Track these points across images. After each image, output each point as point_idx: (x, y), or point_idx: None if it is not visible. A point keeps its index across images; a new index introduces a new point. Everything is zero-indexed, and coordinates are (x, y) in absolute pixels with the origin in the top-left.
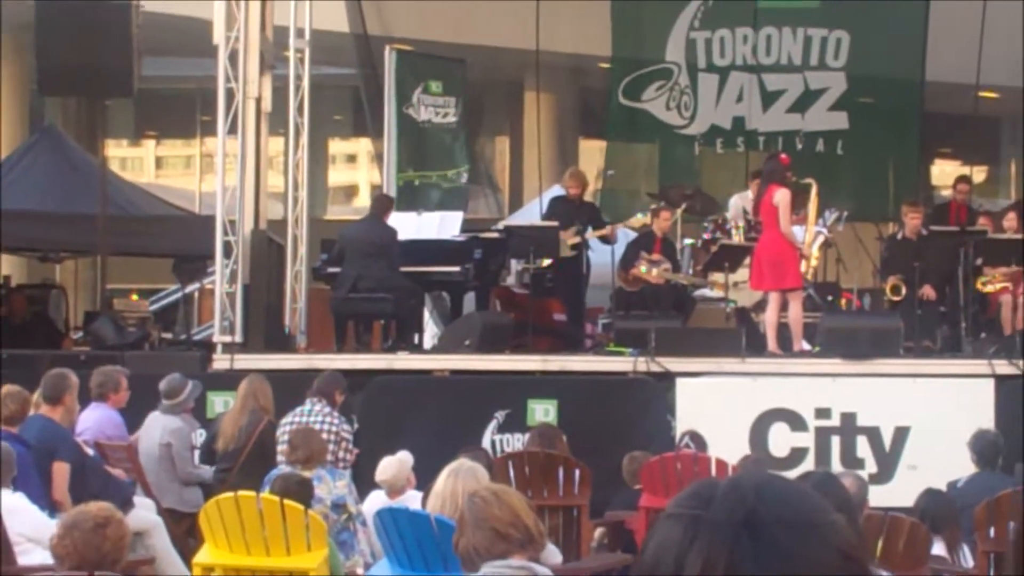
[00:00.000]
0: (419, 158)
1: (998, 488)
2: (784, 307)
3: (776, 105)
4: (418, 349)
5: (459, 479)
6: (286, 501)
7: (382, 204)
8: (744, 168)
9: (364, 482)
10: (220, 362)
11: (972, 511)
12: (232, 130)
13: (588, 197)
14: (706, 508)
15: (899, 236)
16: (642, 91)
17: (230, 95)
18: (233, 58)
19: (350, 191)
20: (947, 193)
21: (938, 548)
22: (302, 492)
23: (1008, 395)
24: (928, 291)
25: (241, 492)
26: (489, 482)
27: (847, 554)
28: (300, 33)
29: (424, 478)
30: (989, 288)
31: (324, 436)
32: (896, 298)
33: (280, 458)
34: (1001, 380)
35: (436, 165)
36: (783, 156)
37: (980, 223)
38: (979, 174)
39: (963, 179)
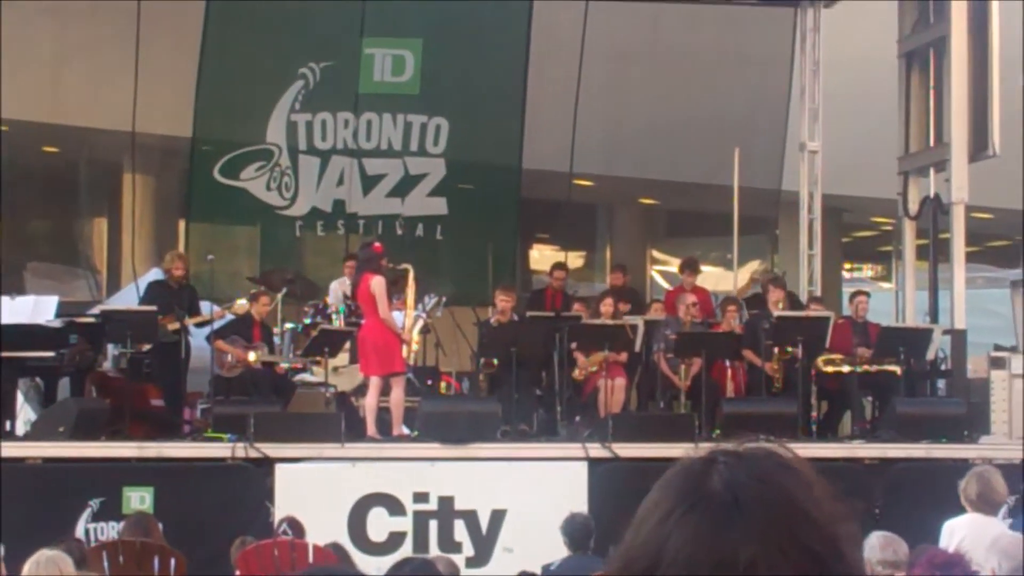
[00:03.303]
0: None
1: (589, 569)
2: (385, 391)
3: (376, 189)
4: (10, 436)
5: (40, 570)
6: None
7: None
8: (345, 252)
9: None
10: None
11: None
12: None
13: (189, 280)
14: None
15: (492, 321)
16: (241, 170)
17: None
18: None
19: None
20: (546, 278)
21: None
22: None
23: (601, 477)
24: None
25: None
26: (74, 572)
27: None
28: None
29: (18, 570)
30: (585, 372)
31: None
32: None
33: None
34: (594, 463)
35: None
36: (377, 244)
37: (575, 309)
38: (577, 259)
39: (559, 266)
